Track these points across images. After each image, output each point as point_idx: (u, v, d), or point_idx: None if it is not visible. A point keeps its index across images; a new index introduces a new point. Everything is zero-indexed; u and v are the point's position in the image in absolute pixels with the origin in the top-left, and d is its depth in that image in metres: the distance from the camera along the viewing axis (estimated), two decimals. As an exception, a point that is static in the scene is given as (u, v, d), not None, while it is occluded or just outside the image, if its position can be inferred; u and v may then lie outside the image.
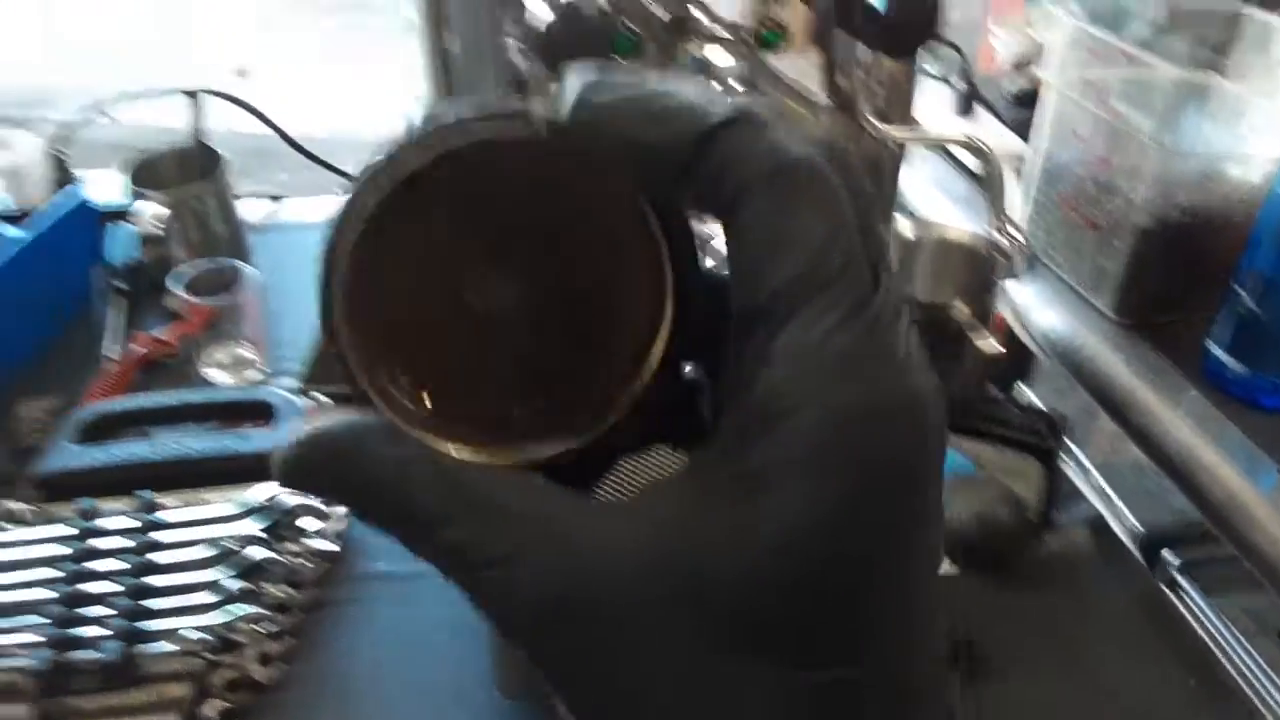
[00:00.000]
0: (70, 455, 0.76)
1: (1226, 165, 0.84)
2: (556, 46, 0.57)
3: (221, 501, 0.73)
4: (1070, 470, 0.89)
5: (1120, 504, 0.85)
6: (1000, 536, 0.45)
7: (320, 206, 1.25)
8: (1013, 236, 0.65)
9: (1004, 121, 1.21)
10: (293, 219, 1.22)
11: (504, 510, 0.20)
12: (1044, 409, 0.75)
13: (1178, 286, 0.86)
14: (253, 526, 0.70)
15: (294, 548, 0.71)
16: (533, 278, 0.21)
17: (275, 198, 1.24)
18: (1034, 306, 0.93)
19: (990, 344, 0.78)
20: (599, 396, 0.22)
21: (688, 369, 0.23)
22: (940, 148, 1.17)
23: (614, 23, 0.57)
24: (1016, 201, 0.99)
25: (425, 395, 0.22)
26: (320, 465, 0.20)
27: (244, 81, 3.52)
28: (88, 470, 0.75)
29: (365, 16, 4.07)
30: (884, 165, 0.77)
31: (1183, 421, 0.77)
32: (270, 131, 1.22)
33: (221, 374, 0.93)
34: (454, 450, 0.21)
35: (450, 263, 0.21)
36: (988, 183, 0.66)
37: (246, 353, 0.95)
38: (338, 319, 0.21)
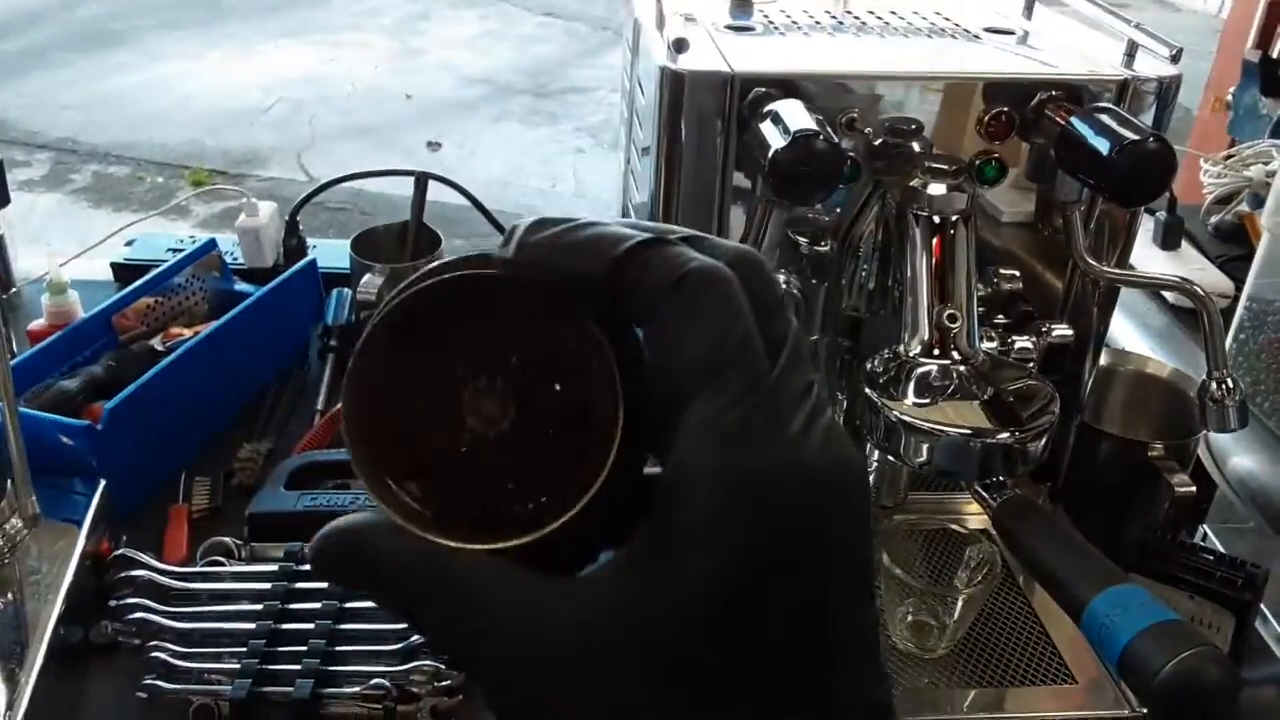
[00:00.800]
0: (279, 499, 0.83)
1: None
2: (783, 175, 0.59)
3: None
4: (1260, 624, 0.84)
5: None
6: (1207, 698, 0.44)
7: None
8: (1230, 389, 0.63)
9: (1207, 256, 1.17)
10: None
11: (481, 591, 0.23)
12: (1244, 561, 0.71)
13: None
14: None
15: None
16: (518, 394, 0.25)
17: (473, 273, 1.32)
18: (1232, 450, 0.89)
19: (1186, 485, 0.75)
20: (575, 488, 0.25)
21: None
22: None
23: (841, 154, 0.60)
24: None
25: (427, 497, 0.25)
26: (334, 555, 0.24)
27: (434, 153, 3.78)
28: (295, 514, 0.81)
29: (549, 105, 4.30)
30: (1092, 300, 0.77)
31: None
32: (453, 199, 1.30)
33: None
34: (448, 542, 0.24)
35: (447, 385, 0.25)
36: (1207, 330, 0.64)
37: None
38: (354, 432, 0.25)
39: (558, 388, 0.25)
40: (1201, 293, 0.64)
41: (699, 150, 0.69)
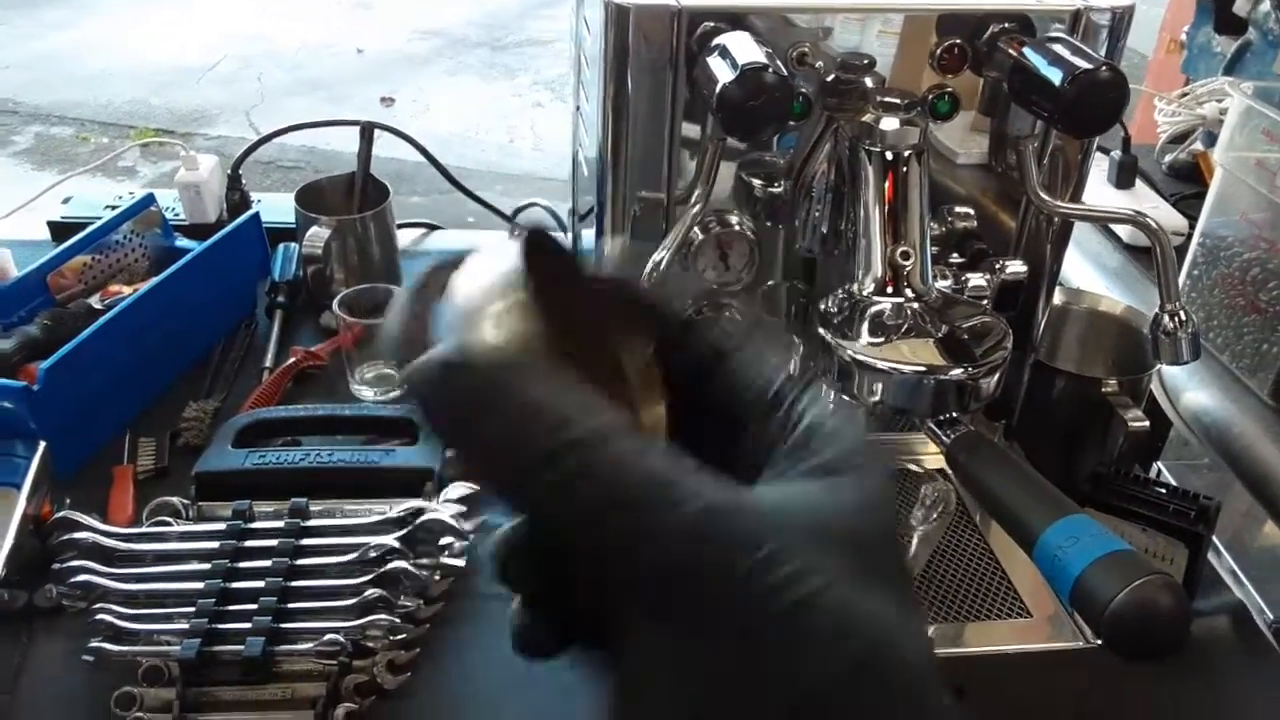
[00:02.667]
0: (227, 457, 0.81)
1: None
2: (732, 109, 0.58)
3: (365, 512, 0.76)
4: (1212, 557, 0.85)
5: (1254, 592, 0.81)
6: (1159, 625, 0.44)
7: (466, 237, 1.30)
8: (1182, 321, 0.63)
9: (1161, 194, 1.17)
10: (441, 245, 1.27)
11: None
12: (1196, 494, 0.72)
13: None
14: (392, 538, 0.73)
15: (427, 561, 0.74)
16: (590, 368, 0.26)
17: (428, 227, 1.29)
18: (1186, 386, 0.90)
19: (1139, 420, 0.75)
20: None
21: None
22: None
23: (790, 89, 0.58)
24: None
25: None
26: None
27: (387, 109, 3.70)
28: (244, 472, 0.79)
29: (505, 58, 4.22)
30: (1046, 237, 0.76)
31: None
32: (408, 155, 1.28)
33: (368, 390, 0.98)
34: None
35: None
36: (1160, 264, 0.64)
37: (392, 372, 0.99)
38: None
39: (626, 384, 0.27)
40: (1154, 225, 0.64)
41: (647, 89, 0.67)
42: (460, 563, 0.76)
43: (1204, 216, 0.92)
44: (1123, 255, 1.08)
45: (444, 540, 0.76)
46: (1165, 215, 1.10)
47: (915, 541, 0.65)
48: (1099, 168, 1.17)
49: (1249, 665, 0.75)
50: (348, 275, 1.08)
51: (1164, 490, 0.73)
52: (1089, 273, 1.07)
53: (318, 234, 1.03)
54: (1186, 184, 1.20)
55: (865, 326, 0.61)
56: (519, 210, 1.29)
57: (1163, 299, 0.64)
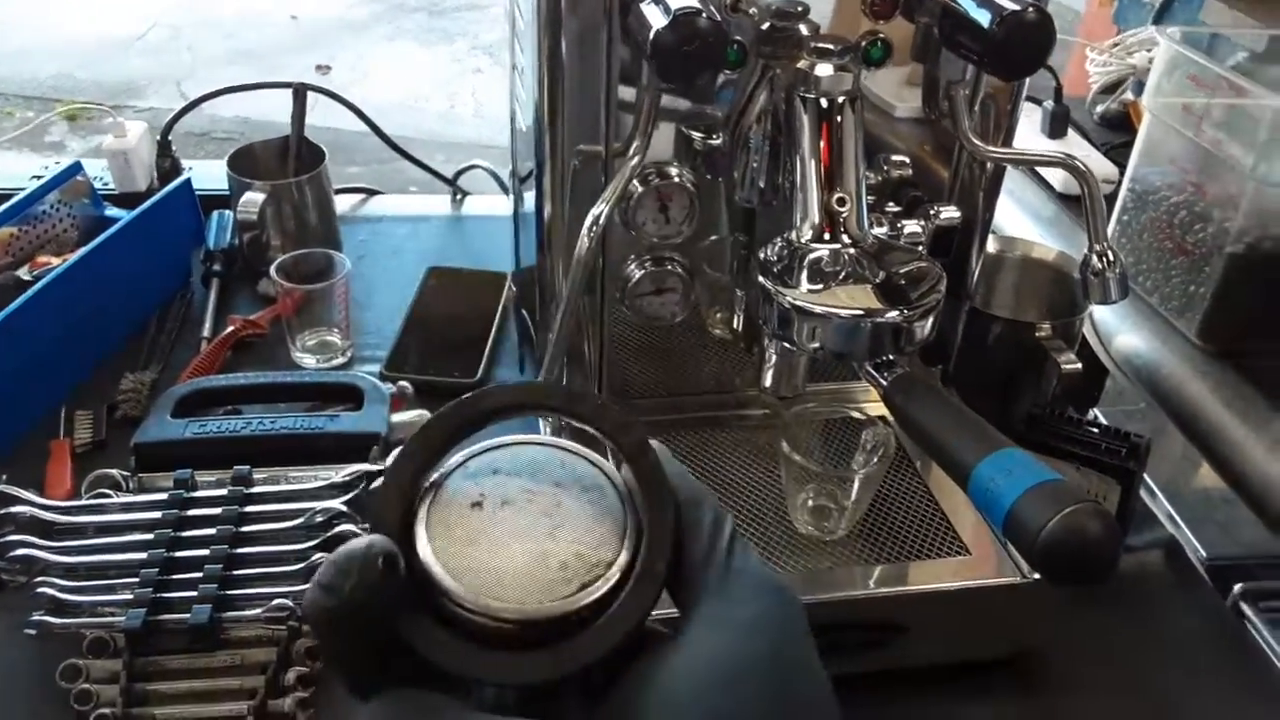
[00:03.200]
0: (166, 428, 0.80)
1: (1326, 196, 0.82)
2: (666, 55, 0.58)
3: (310, 478, 0.75)
4: (1143, 494, 0.88)
5: (1188, 531, 0.84)
6: (1089, 551, 0.45)
7: (406, 202, 1.28)
8: (1110, 261, 0.64)
9: (1093, 143, 1.20)
10: (380, 211, 1.25)
11: None
12: (1127, 432, 0.74)
13: (1266, 316, 0.85)
14: (338, 502, 0.73)
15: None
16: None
17: (367, 192, 1.27)
18: (1117, 329, 0.92)
19: (1072, 363, 0.77)
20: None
21: None
22: (1029, 167, 1.16)
23: (725, 34, 0.58)
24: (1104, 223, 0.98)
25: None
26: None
27: (324, 77, 3.61)
28: (184, 442, 0.78)
29: (443, 23, 4.15)
30: (979, 184, 0.77)
31: (1264, 449, 0.75)
32: (347, 125, 1.26)
33: (309, 357, 0.97)
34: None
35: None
36: (1088, 205, 0.65)
37: (334, 338, 0.98)
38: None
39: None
40: (1082, 167, 0.65)
41: (582, 42, 0.66)
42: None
43: (1132, 162, 0.94)
44: (1056, 204, 1.10)
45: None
46: (1096, 163, 1.12)
47: (857, 485, 0.66)
48: (1032, 118, 1.19)
49: (1182, 599, 0.78)
50: (284, 241, 1.06)
51: (1096, 430, 0.76)
52: (1024, 222, 1.09)
53: (252, 199, 1.02)
54: (1117, 133, 1.22)
55: (804, 274, 0.61)
56: (459, 173, 1.28)
57: (1091, 240, 0.66)
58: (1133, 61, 1.21)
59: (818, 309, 0.59)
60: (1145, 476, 0.89)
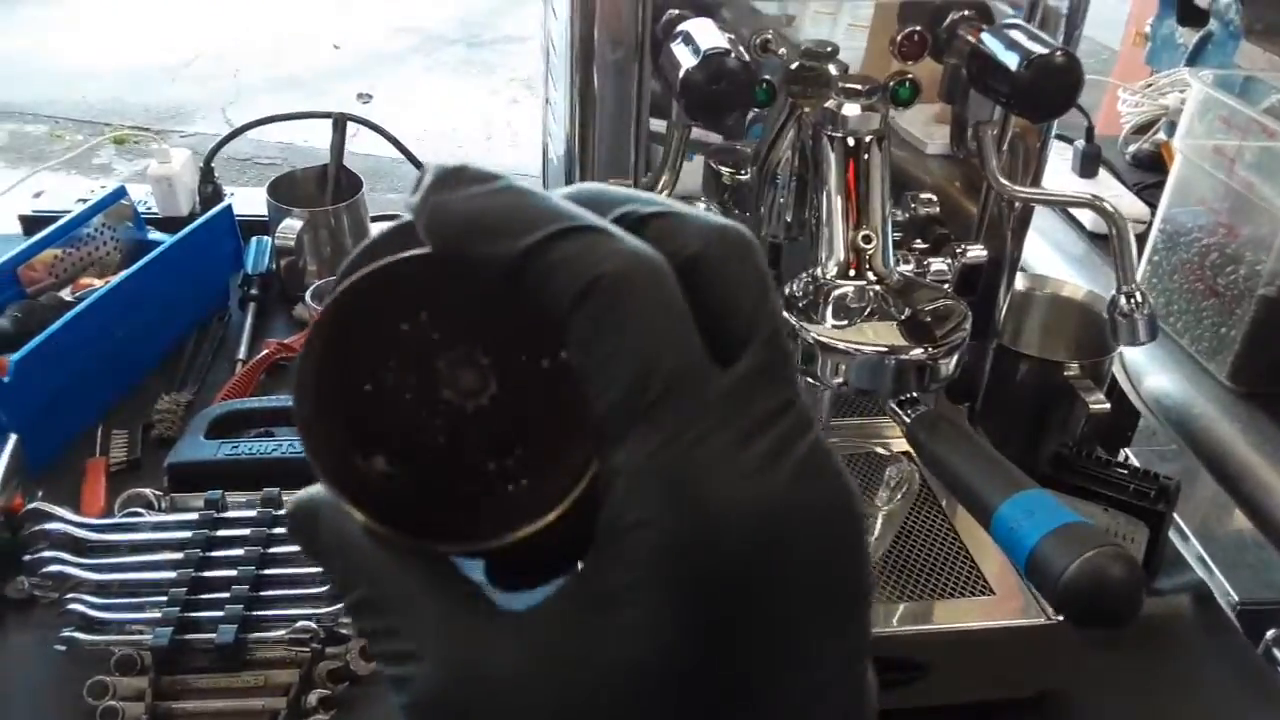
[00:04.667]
0: (199, 448, 0.81)
1: (1361, 239, 0.81)
2: (694, 94, 0.59)
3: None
4: (1174, 537, 0.87)
5: (1220, 575, 0.83)
6: (1111, 595, 0.45)
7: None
8: (1139, 302, 0.64)
9: (1124, 183, 1.19)
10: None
11: (416, 610, 0.21)
12: (1156, 474, 0.73)
13: (1301, 359, 0.84)
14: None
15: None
16: (498, 365, 0.22)
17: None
18: (1147, 370, 0.91)
19: (1100, 403, 0.77)
20: (556, 490, 0.22)
21: None
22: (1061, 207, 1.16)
23: (753, 73, 0.59)
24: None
25: (390, 479, 0.23)
26: (296, 526, 0.23)
27: (365, 105, 3.68)
28: (216, 463, 0.79)
29: (483, 54, 4.22)
30: (1006, 223, 0.78)
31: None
32: (385, 152, 1.28)
33: (340, 382, 0.98)
34: (396, 534, 0.22)
35: (417, 355, 0.22)
36: (1117, 246, 0.65)
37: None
38: (311, 408, 0.22)
39: (544, 364, 0.22)
40: (1110, 208, 0.65)
41: (614, 78, 0.68)
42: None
43: (1164, 203, 0.94)
44: (1086, 243, 1.10)
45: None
46: (1127, 203, 1.12)
47: (879, 523, 0.66)
48: (1064, 158, 1.18)
49: (1211, 643, 0.77)
50: (321, 267, 1.08)
51: (1125, 470, 0.75)
52: (1054, 260, 1.09)
53: (290, 225, 1.04)
54: (1149, 173, 1.22)
55: (829, 310, 0.62)
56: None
57: (1119, 281, 0.66)
58: (1165, 102, 1.21)
59: (841, 345, 0.59)
60: (1177, 519, 0.88)
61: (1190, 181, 0.91)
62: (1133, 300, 0.65)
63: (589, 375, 0.19)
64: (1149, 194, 1.15)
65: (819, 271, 0.64)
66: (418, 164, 1.29)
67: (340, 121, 1.15)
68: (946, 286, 0.69)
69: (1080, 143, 1.18)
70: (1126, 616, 0.46)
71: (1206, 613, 0.79)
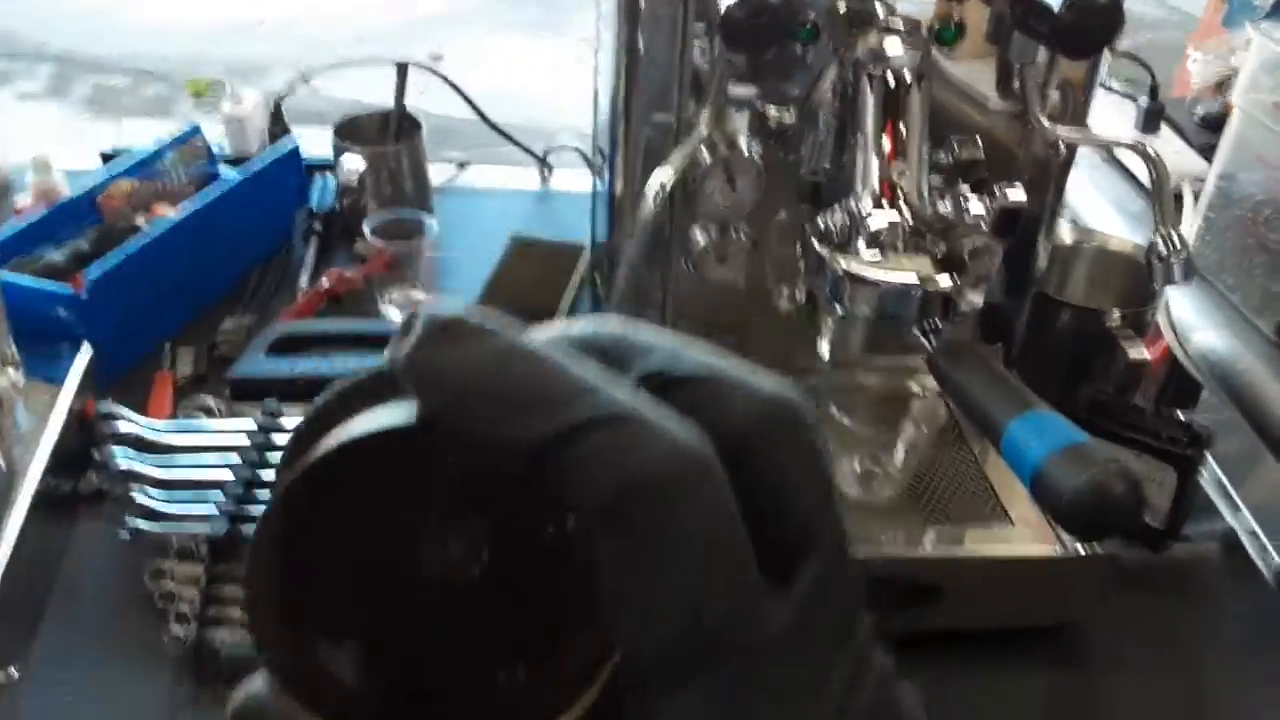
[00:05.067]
0: (259, 364, 0.86)
1: None
2: (736, 31, 0.60)
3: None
4: (1219, 499, 0.86)
5: (1254, 524, 0.82)
6: (1114, 509, 0.46)
7: (499, 174, 1.33)
8: (1176, 246, 0.64)
9: (1189, 141, 1.17)
10: (473, 184, 1.30)
11: None
12: (1187, 420, 0.73)
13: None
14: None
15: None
16: (494, 541, 0.19)
17: (461, 164, 1.33)
18: (1196, 326, 0.90)
19: (1140, 351, 0.77)
20: (564, 686, 0.19)
21: None
22: (1115, 160, 1.14)
23: (795, 10, 0.60)
24: (1190, 220, 0.96)
25: (366, 668, 0.19)
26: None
27: (437, 65, 3.73)
28: (273, 380, 0.84)
29: (554, 16, 4.23)
30: (1051, 168, 0.78)
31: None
32: (455, 112, 1.31)
33: (396, 311, 1.02)
34: None
35: (402, 529, 0.19)
36: (1155, 190, 0.65)
37: (419, 294, 1.03)
38: (265, 586, 0.19)
39: (548, 532, 0.18)
40: (1151, 152, 0.65)
41: (657, 18, 0.69)
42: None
43: (1220, 159, 0.92)
44: (1143, 199, 1.08)
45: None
46: (1187, 159, 1.10)
47: (902, 452, 0.67)
48: (1127, 115, 1.17)
49: (1237, 591, 0.77)
50: (381, 206, 1.12)
51: (1160, 419, 0.75)
52: (1110, 215, 1.07)
53: (351, 160, 1.07)
54: (1217, 134, 1.19)
55: (862, 242, 0.63)
56: (549, 151, 1.32)
57: (1157, 224, 0.66)
58: (1235, 62, 1.18)
59: (869, 275, 0.61)
60: (1218, 472, 0.88)
61: (1248, 138, 0.90)
62: (1169, 243, 0.65)
63: (622, 597, 0.16)
64: (1214, 154, 1.12)
65: (853, 204, 0.65)
66: (477, 110, 1.32)
67: (403, 68, 1.18)
68: (983, 227, 0.70)
69: (1144, 99, 1.16)
70: (1126, 529, 0.47)
71: (1237, 565, 0.79)
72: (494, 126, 1.34)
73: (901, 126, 0.65)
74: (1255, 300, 0.86)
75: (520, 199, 1.28)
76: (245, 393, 0.83)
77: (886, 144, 0.64)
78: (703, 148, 0.70)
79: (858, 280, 0.61)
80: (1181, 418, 0.76)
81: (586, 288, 1.07)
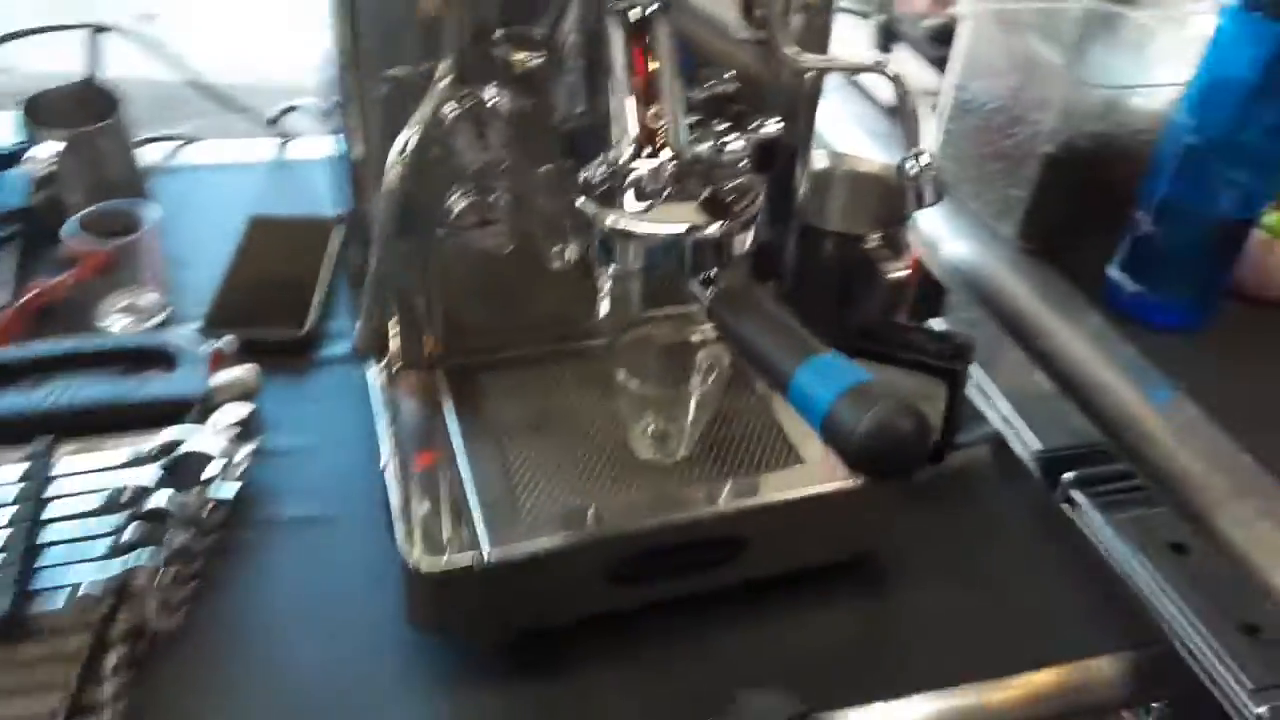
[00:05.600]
0: (-41, 406, 0.73)
1: (1131, 95, 0.85)
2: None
3: (119, 449, 0.70)
4: (976, 396, 0.91)
5: (1021, 426, 0.87)
6: (902, 446, 0.46)
7: (224, 149, 1.20)
8: (924, 166, 0.65)
9: (925, 57, 1.21)
10: (196, 161, 1.17)
11: None
12: (952, 333, 0.76)
13: (1082, 214, 0.88)
14: (152, 473, 0.68)
15: (196, 493, 0.69)
16: None
17: (181, 139, 1.19)
18: (944, 238, 0.94)
19: (899, 270, 0.78)
20: None
21: None
22: (856, 82, 1.17)
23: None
24: (930, 134, 0.99)
25: None
26: None
27: (150, 26, 3.37)
28: (-23, 419, 0.72)
29: (278, -39, 3.92)
30: (800, 96, 0.77)
31: (1082, 342, 0.79)
32: (176, 78, 1.17)
33: (121, 320, 0.90)
34: None
35: None
36: (900, 111, 0.66)
37: (147, 298, 0.91)
38: None
39: None
40: (891, 73, 0.65)
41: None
42: (229, 492, 0.71)
43: (952, 70, 0.96)
44: (888, 119, 1.11)
45: (216, 469, 0.71)
46: (921, 74, 1.14)
47: (692, 407, 0.66)
48: (861, 34, 1.19)
49: (1011, 490, 0.82)
50: (85, 197, 0.98)
51: (924, 334, 0.77)
52: (858, 138, 1.10)
53: (45, 151, 0.93)
54: (947, 47, 1.24)
55: (628, 194, 0.60)
56: (279, 115, 1.21)
57: (905, 146, 0.66)
58: (954, -26, 1.23)
59: (637, 229, 0.58)
60: (982, 377, 0.93)
61: (977, 48, 0.93)
62: (917, 162, 0.66)
63: None
64: (946, 67, 1.17)
65: (613, 155, 0.61)
66: (199, 83, 1.18)
67: (97, 31, 1.03)
68: (744, 164, 0.68)
69: (877, 17, 1.19)
70: (915, 463, 0.47)
71: (1006, 463, 0.84)
72: (218, 97, 1.20)
73: (651, 63, 0.61)
74: (995, 207, 0.91)
75: (254, 173, 1.16)
76: (-57, 440, 0.71)
77: (639, 85, 0.61)
78: (448, 102, 0.64)
79: (626, 235, 0.58)
80: (941, 330, 0.79)
81: (341, 265, 0.99)
